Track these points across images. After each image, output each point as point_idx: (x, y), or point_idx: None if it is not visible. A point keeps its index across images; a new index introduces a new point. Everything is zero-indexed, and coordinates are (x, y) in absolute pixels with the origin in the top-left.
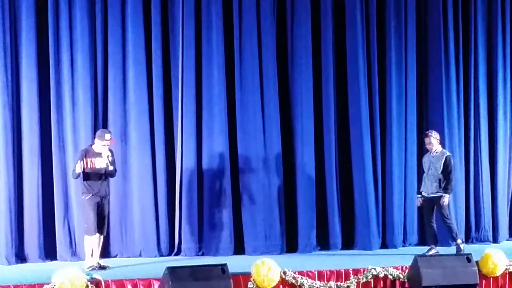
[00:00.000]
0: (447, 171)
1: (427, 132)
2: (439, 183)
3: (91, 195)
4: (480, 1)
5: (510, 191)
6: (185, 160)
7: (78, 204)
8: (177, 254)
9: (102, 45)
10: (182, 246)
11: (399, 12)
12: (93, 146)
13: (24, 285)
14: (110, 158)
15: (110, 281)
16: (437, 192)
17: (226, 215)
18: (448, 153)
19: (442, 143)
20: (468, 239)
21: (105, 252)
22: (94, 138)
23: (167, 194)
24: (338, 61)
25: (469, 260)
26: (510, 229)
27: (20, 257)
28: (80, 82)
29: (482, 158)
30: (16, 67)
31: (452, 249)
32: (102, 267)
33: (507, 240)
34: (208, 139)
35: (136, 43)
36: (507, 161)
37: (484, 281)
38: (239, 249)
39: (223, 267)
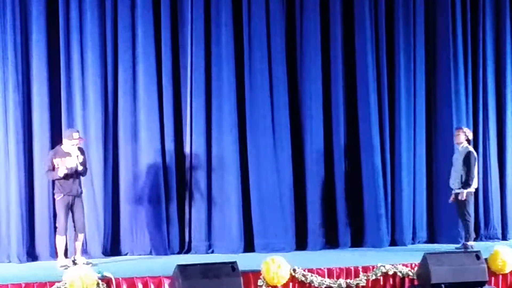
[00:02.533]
0: (466, 166)
1: (458, 126)
2: (461, 179)
3: (62, 195)
4: (488, 0)
5: None
6: (194, 158)
7: (88, 202)
8: (187, 252)
9: (112, 45)
10: (192, 244)
11: (408, 11)
12: (62, 146)
13: (36, 283)
14: (80, 158)
15: (120, 279)
16: (458, 188)
17: (235, 213)
18: (470, 149)
19: (469, 141)
20: (477, 237)
21: (116, 250)
22: (63, 137)
23: (177, 193)
24: (347, 60)
25: (478, 257)
26: None
27: (32, 255)
28: (90, 82)
29: (491, 156)
30: (27, 68)
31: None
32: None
33: None
34: (218, 138)
35: (146, 43)
36: None
37: (493, 278)
38: (249, 246)
39: (233, 265)
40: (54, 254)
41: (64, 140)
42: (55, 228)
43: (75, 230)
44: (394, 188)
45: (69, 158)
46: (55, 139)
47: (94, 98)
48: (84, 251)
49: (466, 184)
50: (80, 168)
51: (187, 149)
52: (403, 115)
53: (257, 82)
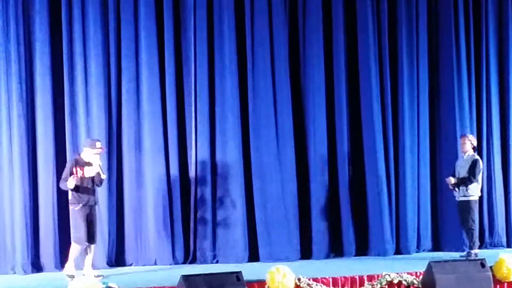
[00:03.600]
0: (469, 171)
1: (463, 133)
2: (466, 187)
3: (81, 205)
4: (491, 4)
5: None
6: (199, 166)
7: None
8: (192, 262)
9: (115, 54)
10: (197, 253)
11: (410, 15)
12: (81, 155)
13: None
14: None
15: None
16: (464, 196)
17: (240, 222)
18: (477, 157)
19: (475, 148)
20: (482, 244)
21: (121, 260)
22: (85, 146)
23: (181, 202)
24: (350, 66)
25: (483, 265)
26: None
27: (36, 266)
28: (94, 91)
29: (495, 162)
30: (30, 77)
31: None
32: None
33: None
34: (222, 146)
35: (149, 51)
36: None
37: (498, 286)
38: (253, 256)
39: (237, 275)
40: (59, 265)
41: (86, 149)
42: (71, 237)
43: (88, 241)
44: (399, 196)
45: (89, 167)
46: (59, 148)
47: (98, 108)
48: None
49: (462, 183)
50: (103, 176)
51: (191, 158)
52: (407, 122)
53: (261, 90)
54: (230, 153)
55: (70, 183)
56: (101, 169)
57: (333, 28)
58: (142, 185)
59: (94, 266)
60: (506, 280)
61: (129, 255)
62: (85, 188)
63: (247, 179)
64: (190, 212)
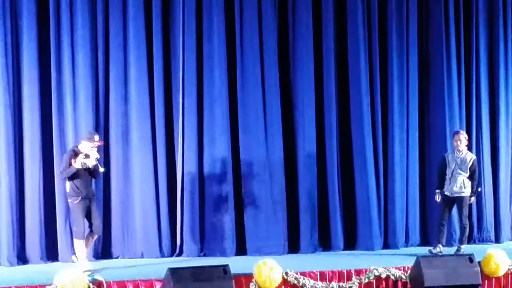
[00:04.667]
0: (474, 175)
1: (459, 130)
2: (463, 183)
3: (80, 198)
4: (482, 1)
5: None
6: (186, 160)
7: None
8: (179, 255)
9: (103, 46)
10: (184, 247)
11: (401, 13)
12: (79, 147)
13: (26, 286)
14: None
15: (112, 282)
16: (460, 192)
17: (228, 215)
18: (474, 157)
19: (468, 145)
20: (470, 239)
21: (107, 253)
22: (82, 139)
23: (169, 195)
24: (339, 62)
25: (471, 260)
26: None
27: (22, 258)
28: (81, 83)
29: (484, 158)
30: (17, 68)
31: (452, 249)
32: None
33: (510, 240)
34: (210, 140)
35: (137, 44)
36: (509, 161)
37: (486, 281)
38: (241, 249)
39: (225, 268)
40: (45, 257)
41: (84, 142)
42: (71, 231)
43: (91, 231)
44: (387, 191)
45: (87, 158)
46: (46, 141)
47: (85, 100)
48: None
49: (473, 191)
50: (101, 169)
51: (178, 151)
52: (396, 119)
53: (250, 85)
54: (218, 148)
55: (78, 163)
56: (98, 162)
57: (323, 24)
58: (129, 178)
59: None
60: (494, 275)
61: (115, 248)
62: (84, 181)
63: (235, 173)
64: (177, 205)
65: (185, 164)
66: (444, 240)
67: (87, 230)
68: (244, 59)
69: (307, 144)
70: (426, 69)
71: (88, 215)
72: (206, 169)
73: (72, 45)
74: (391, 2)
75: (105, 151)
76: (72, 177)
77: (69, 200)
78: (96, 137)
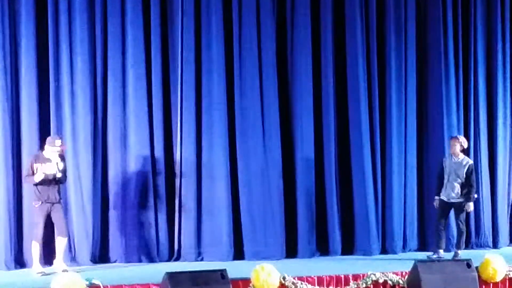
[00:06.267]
0: (469, 180)
1: (456, 135)
2: (461, 189)
3: (41, 202)
4: (480, 3)
5: (511, 197)
6: (184, 165)
7: (77, 209)
8: (177, 259)
9: (102, 50)
10: (182, 251)
11: (399, 16)
12: (43, 152)
13: None
14: (61, 165)
15: (109, 286)
16: (457, 198)
17: (225, 220)
18: (471, 162)
19: (465, 150)
20: (468, 245)
21: (105, 257)
22: (44, 144)
23: (167, 200)
24: (338, 66)
25: (469, 265)
26: (510, 235)
27: (19, 262)
28: (80, 87)
29: (482, 163)
30: (15, 72)
31: (450, 254)
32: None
33: (507, 246)
34: (208, 144)
35: (136, 48)
36: (507, 166)
37: (484, 286)
38: (238, 254)
39: (222, 273)
40: (42, 262)
41: (46, 146)
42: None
43: (58, 235)
44: (385, 196)
45: (49, 164)
46: (44, 145)
47: (83, 104)
48: (73, 259)
49: (470, 197)
50: (59, 175)
51: (176, 155)
52: (394, 123)
53: (248, 89)
54: (216, 152)
55: (37, 177)
56: (58, 167)
57: (321, 30)
58: (127, 182)
59: (78, 263)
60: (492, 281)
61: (113, 252)
62: (46, 185)
63: (233, 178)
64: (175, 210)
65: (183, 168)
66: (443, 245)
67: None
68: (242, 64)
69: (305, 149)
70: (424, 74)
71: (49, 220)
72: (204, 173)
73: (71, 49)
74: (389, 6)
75: (103, 154)
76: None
77: (33, 203)
78: (58, 142)
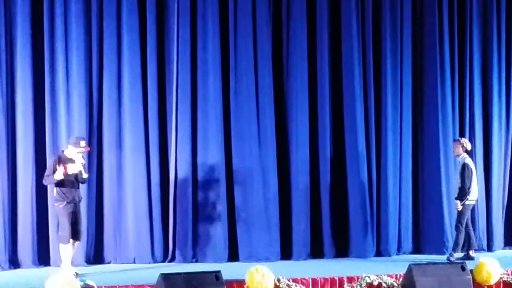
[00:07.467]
0: (461, 178)
1: (459, 138)
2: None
3: (65, 202)
4: (476, 6)
5: (505, 200)
6: (179, 166)
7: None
8: (171, 260)
9: (97, 51)
10: (176, 252)
11: (395, 18)
12: (65, 152)
13: None
14: (83, 166)
15: (103, 287)
16: (456, 198)
17: (220, 222)
18: (465, 161)
19: (467, 151)
20: (463, 248)
21: (99, 258)
22: (69, 144)
23: (161, 201)
24: (333, 68)
25: (463, 268)
26: (505, 238)
27: (14, 262)
28: (75, 87)
29: (477, 165)
30: (11, 73)
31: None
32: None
33: (502, 249)
34: (203, 145)
35: (131, 49)
36: (501, 169)
37: None
38: (233, 256)
39: (217, 274)
40: (37, 262)
41: (69, 146)
42: (57, 236)
43: (72, 238)
44: (380, 198)
45: (71, 164)
46: (39, 145)
47: (79, 104)
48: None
49: (461, 195)
50: (85, 176)
51: (172, 157)
52: (390, 125)
53: (243, 90)
54: (211, 153)
55: (58, 174)
56: (83, 168)
57: (317, 30)
58: (122, 183)
59: (72, 263)
60: (486, 284)
61: (108, 253)
62: (70, 185)
63: (228, 179)
64: (170, 211)
65: (178, 169)
66: (469, 245)
67: (69, 236)
68: (238, 65)
69: (300, 150)
70: (419, 76)
71: (73, 220)
72: (199, 174)
73: (66, 50)
74: (385, 9)
75: (98, 155)
76: (58, 182)
77: (55, 204)
78: (83, 143)
